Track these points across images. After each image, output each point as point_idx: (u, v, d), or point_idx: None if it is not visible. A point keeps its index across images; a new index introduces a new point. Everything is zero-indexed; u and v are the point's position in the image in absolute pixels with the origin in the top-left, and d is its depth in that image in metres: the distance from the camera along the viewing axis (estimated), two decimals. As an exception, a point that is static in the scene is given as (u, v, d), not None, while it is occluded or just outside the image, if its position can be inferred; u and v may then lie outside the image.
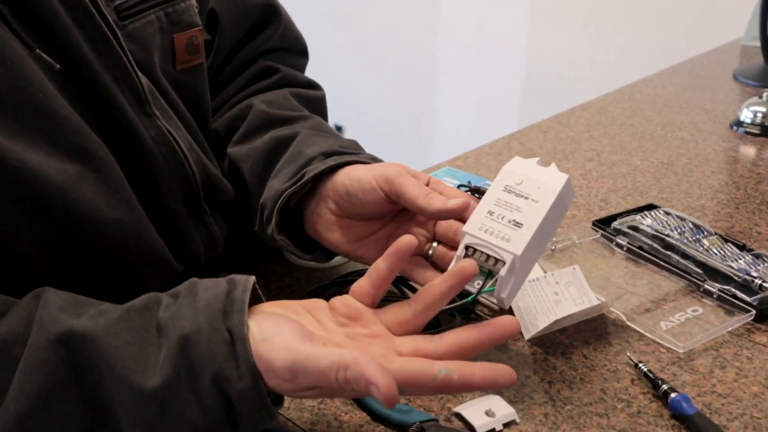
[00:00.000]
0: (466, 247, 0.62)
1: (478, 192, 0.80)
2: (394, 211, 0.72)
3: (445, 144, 2.83)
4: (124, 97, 0.68)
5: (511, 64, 2.57)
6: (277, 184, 0.74)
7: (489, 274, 0.62)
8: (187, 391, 0.50)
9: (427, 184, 0.69)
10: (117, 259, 0.67)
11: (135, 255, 0.68)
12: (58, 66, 0.62)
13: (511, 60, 2.57)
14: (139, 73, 0.70)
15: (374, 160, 0.74)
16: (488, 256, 0.61)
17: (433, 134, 2.90)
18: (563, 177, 0.62)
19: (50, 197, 0.60)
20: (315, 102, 0.89)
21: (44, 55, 0.61)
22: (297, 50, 0.95)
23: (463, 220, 0.65)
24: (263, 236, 0.76)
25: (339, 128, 3.06)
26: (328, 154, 0.73)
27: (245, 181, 0.80)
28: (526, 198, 0.62)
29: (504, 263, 0.60)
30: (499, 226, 0.61)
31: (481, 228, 0.61)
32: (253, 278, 0.54)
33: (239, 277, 0.54)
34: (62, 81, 0.63)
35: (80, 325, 0.51)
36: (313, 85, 0.92)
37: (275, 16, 0.91)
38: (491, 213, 0.62)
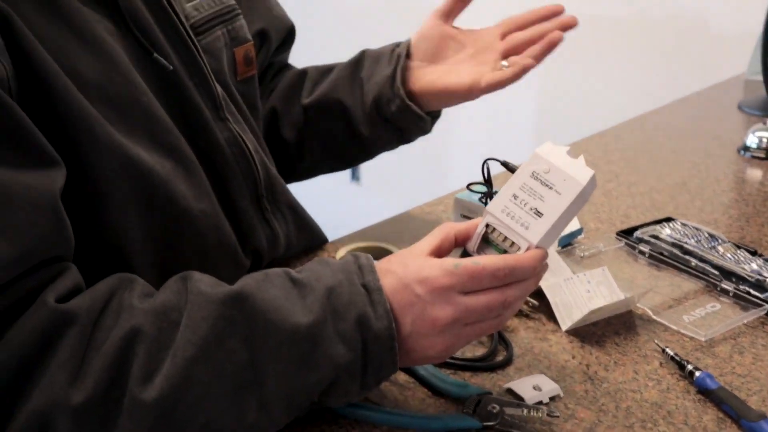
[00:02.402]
0: (487, 225, 0.66)
1: (506, 166, 0.88)
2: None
3: (462, 172, 2.91)
4: (202, 101, 0.78)
5: (522, 100, 2.68)
6: (379, 77, 0.93)
7: (504, 252, 0.66)
8: (333, 331, 0.59)
9: None
10: (199, 249, 0.76)
11: (212, 246, 0.77)
12: (171, 67, 0.72)
13: (521, 95, 2.68)
14: (215, 81, 0.80)
15: None
16: (506, 237, 0.65)
17: (451, 163, 3.00)
18: (589, 173, 0.64)
19: (157, 190, 0.69)
20: None
21: (161, 58, 0.71)
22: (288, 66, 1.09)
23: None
24: (379, 136, 0.96)
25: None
26: (396, 44, 0.95)
27: (341, 103, 0.96)
28: (551, 188, 0.64)
29: (519, 248, 0.65)
30: (520, 212, 0.65)
31: (504, 210, 0.65)
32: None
33: (358, 252, 0.64)
34: (159, 85, 0.73)
35: (236, 286, 0.60)
36: None
37: (292, 37, 1.05)
38: (515, 197, 0.65)
